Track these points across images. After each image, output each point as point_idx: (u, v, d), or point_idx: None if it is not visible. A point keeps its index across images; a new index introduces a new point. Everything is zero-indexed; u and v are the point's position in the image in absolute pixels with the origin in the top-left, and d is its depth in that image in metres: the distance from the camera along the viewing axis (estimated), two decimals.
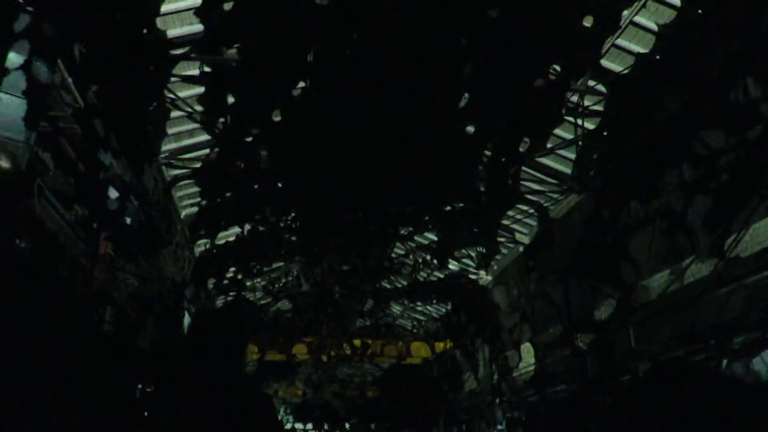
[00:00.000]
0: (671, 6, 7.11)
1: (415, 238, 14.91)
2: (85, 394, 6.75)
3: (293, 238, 14.25)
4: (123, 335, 8.41)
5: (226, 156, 10.15)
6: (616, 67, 8.16)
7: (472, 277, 15.57)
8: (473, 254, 14.64)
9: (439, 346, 18.68)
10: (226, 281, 16.21)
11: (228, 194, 11.82)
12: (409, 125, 9.77)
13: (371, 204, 12.83)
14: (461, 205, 12.16)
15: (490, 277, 15.37)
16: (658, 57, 7.73)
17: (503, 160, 10.31)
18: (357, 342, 18.93)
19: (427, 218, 13.20)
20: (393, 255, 15.97)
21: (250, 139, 9.95)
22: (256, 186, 11.70)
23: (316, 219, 13.30)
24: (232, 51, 8.04)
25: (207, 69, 8.21)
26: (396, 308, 20.07)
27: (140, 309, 9.33)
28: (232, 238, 13.95)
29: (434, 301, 17.94)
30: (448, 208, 12.25)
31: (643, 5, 7.15)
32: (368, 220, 13.68)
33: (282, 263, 16.29)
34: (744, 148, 7.00)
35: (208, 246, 13.55)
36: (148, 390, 8.64)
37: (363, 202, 12.71)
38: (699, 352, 7.44)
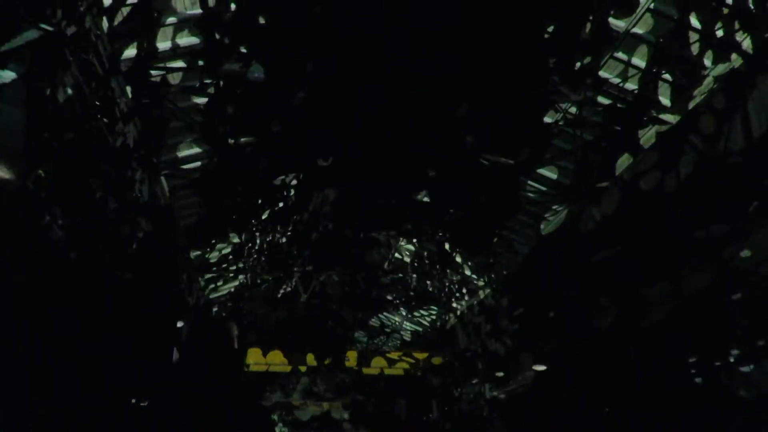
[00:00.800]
0: (670, 18, 7.16)
1: (415, 247, 14.91)
2: (81, 405, 6.71)
3: (293, 248, 14.24)
4: (120, 345, 8.37)
5: (226, 166, 10.17)
6: (615, 79, 8.20)
7: (472, 287, 15.55)
8: (470, 264, 14.63)
9: (438, 357, 18.61)
10: (224, 291, 16.20)
11: (227, 203, 11.82)
12: (408, 133, 9.79)
13: (370, 213, 12.83)
14: (461, 214, 12.16)
15: (488, 289, 15.34)
16: (655, 69, 7.79)
17: (502, 169, 10.33)
18: (355, 351, 18.87)
19: (426, 226, 13.21)
20: (392, 264, 15.96)
21: (249, 148, 9.97)
22: (254, 195, 11.71)
23: (315, 227, 13.31)
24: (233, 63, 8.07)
25: (207, 80, 8.25)
26: (395, 318, 20.03)
27: (139, 319, 9.29)
28: (231, 246, 13.96)
29: (433, 311, 17.93)
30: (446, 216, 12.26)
31: (641, 17, 7.20)
32: (368, 229, 13.68)
33: (281, 273, 16.28)
34: (743, 155, 7.03)
35: (207, 255, 13.54)
36: (143, 404, 8.61)
37: (362, 211, 12.71)
38: (699, 361, 7.43)
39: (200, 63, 7.92)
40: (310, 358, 18.13)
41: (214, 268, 14.47)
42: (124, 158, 7.85)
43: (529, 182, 10.77)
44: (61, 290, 6.74)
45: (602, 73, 8.11)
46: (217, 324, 15.16)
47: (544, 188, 10.84)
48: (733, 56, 7.22)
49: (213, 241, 13.04)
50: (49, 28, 5.51)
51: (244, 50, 7.97)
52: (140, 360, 9.20)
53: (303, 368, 18.54)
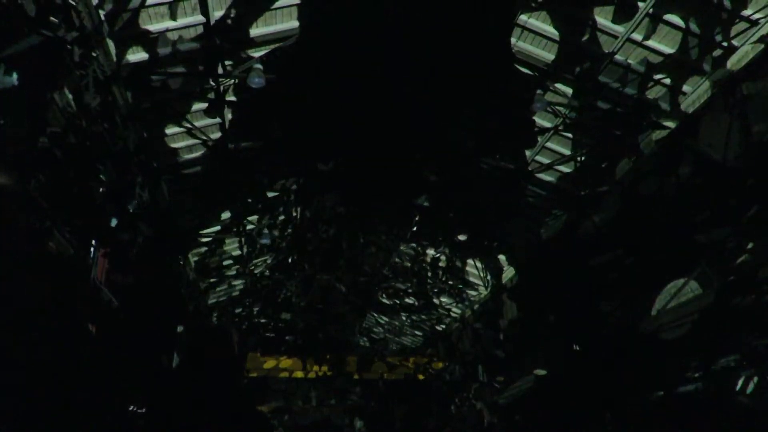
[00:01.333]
0: (668, 24, 7.18)
1: (415, 251, 14.91)
2: (79, 411, 6.70)
3: (293, 253, 14.24)
4: (117, 353, 8.36)
5: (226, 170, 10.19)
6: (614, 84, 8.21)
7: (473, 293, 15.53)
8: (470, 268, 14.64)
9: (438, 363, 18.57)
10: (224, 296, 16.18)
11: (227, 208, 11.85)
12: (409, 138, 9.82)
13: (371, 217, 12.83)
14: (461, 218, 12.17)
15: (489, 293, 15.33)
16: (655, 76, 7.81)
17: (502, 174, 10.35)
18: (355, 357, 18.83)
19: (426, 230, 13.22)
20: (392, 268, 15.96)
21: (249, 153, 9.99)
22: (255, 199, 11.73)
23: (316, 232, 13.31)
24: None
25: (207, 86, 8.28)
26: (396, 322, 20.01)
27: (138, 324, 9.28)
28: (231, 251, 13.96)
29: (434, 315, 17.91)
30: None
31: (640, 22, 7.22)
32: (368, 234, 13.69)
33: (282, 278, 16.27)
34: (742, 159, 7.03)
35: (207, 260, 13.54)
36: (139, 411, 8.58)
37: (362, 215, 12.71)
38: (700, 365, 7.41)
39: (200, 68, 7.95)
40: (311, 363, 18.10)
41: (215, 273, 14.46)
42: (124, 163, 7.87)
43: (530, 187, 10.77)
44: (61, 295, 6.74)
45: (601, 78, 8.12)
46: (216, 329, 15.14)
47: (544, 192, 10.84)
48: (732, 60, 7.24)
49: (213, 246, 13.05)
50: (50, 34, 5.54)
51: (244, 56, 8.01)
52: (139, 365, 9.19)
53: (302, 373, 18.50)
